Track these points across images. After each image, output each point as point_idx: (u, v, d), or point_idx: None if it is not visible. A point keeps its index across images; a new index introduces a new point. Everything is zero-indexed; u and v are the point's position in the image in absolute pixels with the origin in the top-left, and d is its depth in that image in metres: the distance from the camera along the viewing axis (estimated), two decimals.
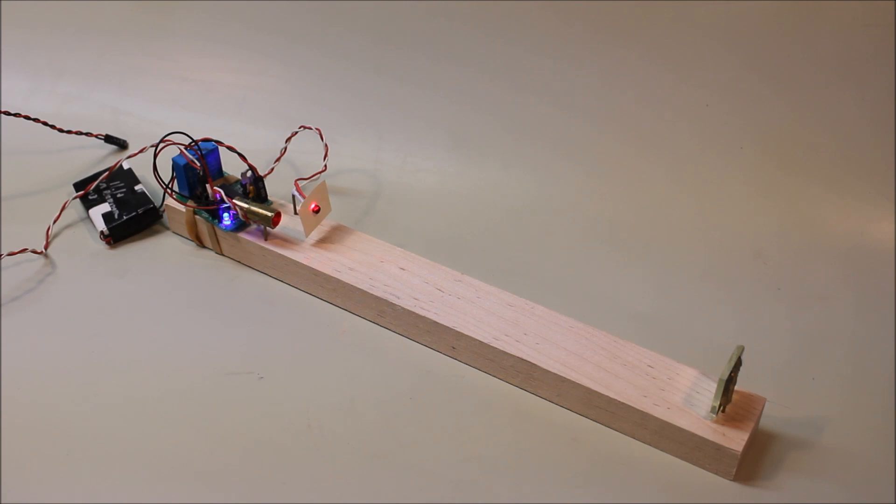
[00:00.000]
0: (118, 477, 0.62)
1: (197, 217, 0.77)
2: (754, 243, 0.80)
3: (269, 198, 0.77)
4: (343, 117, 0.90)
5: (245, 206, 0.74)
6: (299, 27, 0.93)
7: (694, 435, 0.62)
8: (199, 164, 0.74)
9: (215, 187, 0.74)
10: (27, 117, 0.85)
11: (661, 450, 0.64)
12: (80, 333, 0.71)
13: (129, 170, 0.83)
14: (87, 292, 0.75)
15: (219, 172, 0.77)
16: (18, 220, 0.80)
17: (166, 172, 0.75)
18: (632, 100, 0.87)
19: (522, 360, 0.66)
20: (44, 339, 0.71)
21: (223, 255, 0.78)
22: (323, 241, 0.75)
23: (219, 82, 0.93)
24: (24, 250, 0.76)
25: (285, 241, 0.75)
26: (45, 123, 0.85)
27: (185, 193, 0.76)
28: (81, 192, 0.80)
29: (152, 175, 0.75)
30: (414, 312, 0.70)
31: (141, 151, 0.81)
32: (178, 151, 0.75)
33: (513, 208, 0.83)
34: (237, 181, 0.77)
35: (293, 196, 0.76)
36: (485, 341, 0.68)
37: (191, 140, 0.74)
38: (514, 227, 0.82)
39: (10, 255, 0.76)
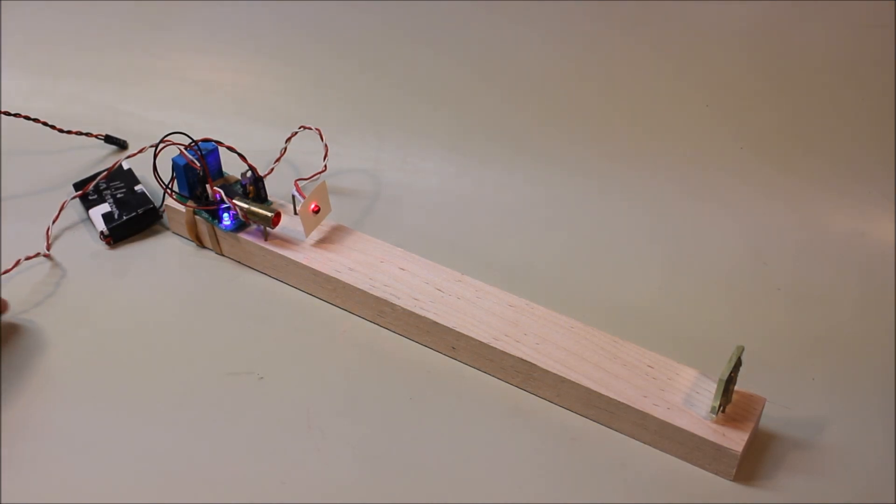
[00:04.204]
0: (118, 477, 0.62)
1: (197, 217, 0.77)
2: (754, 243, 0.80)
3: (269, 198, 0.77)
4: (343, 117, 0.90)
5: (245, 206, 0.74)
6: (299, 27, 0.93)
7: (694, 435, 0.62)
8: (199, 165, 0.74)
9: (215, 187, 0.74)
10: (27, 117, 0.85)
11: (661, 450, 0.64)
12: (80, 333, 0.71)
13: (129, 170, 0.82)
14: (87, 292, 0.75)
15: (219, 173, 0.77)
16: (18, 220, 0.80)
17: (166, 173, 0.75)
18: (632, 100, 0.87)
19: (522, 360, 0.66)
20: (44, 340, 0.71)
21: (223, 255, 0.78)
22: (323, 242, 0.75)
23: (219, 82, 0.93)
24: (37, 255, 0.76)
25: (285, 241, 0.75)
26: (45, 123, 0.85)
27: (185, 194, 0.76)
28: (80, 192, 0.80)
29: (152, 175, 0.75)
30: (414, 313, 0.70)
31: (141, 151, 0.81)
32: (178, 151, 0.75)
33: (513, 208, 0.83)
34: (237, 181, 0.77)
35: (293, 196, 0.75)
36: (485, 341, 0.67)
37: (191, 140, 0.74)
38: (514, 227, 0.82)
39: (27, 259, 0.76)
